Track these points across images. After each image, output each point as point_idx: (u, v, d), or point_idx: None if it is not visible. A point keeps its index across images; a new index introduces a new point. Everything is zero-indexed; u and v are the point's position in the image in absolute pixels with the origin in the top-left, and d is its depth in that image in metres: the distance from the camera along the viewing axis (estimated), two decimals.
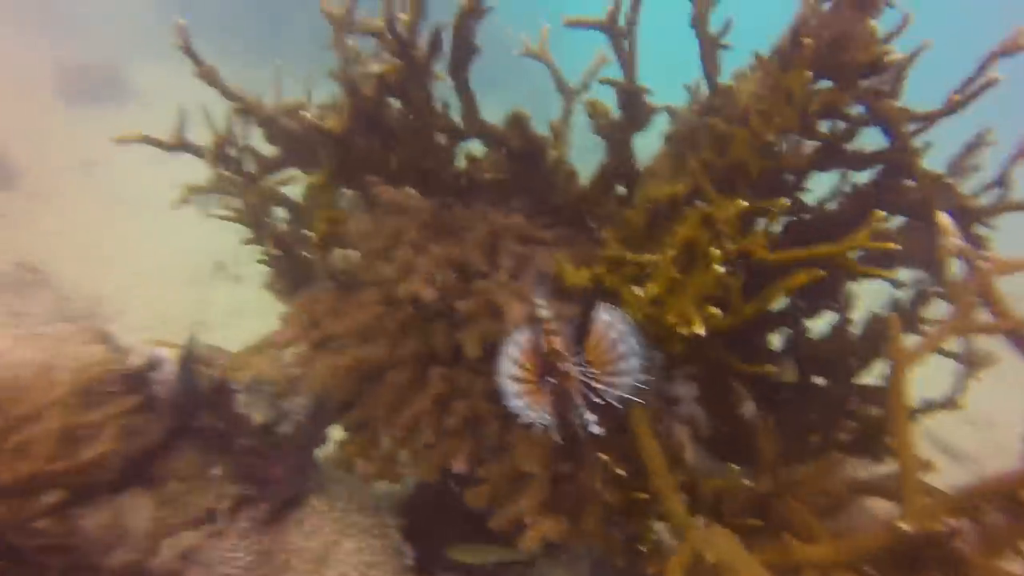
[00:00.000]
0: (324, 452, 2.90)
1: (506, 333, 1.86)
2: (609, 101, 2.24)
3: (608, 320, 1.77)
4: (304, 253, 2.83)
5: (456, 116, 2.10)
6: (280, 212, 2.85)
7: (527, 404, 1.73)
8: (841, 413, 2.75)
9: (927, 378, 2.56)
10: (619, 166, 2.17)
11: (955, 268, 2.39)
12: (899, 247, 1.56)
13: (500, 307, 1.93)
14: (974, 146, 2.46)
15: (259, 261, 2.74)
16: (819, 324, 2.77)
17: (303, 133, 2.33)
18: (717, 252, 1.52)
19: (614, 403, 1.73)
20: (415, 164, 2.16)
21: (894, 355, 1.63)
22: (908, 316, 2.62)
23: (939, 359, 2.61)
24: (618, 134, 2.13)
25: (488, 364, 2.10)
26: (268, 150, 2.53)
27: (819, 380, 2.77)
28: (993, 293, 1.74)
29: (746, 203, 1.55)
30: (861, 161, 1.95)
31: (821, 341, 2.70)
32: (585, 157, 2.45)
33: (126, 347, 2.60)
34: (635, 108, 2.07)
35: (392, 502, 3.07)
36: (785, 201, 1.61)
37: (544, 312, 1.81)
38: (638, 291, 1.93)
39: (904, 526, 1.47)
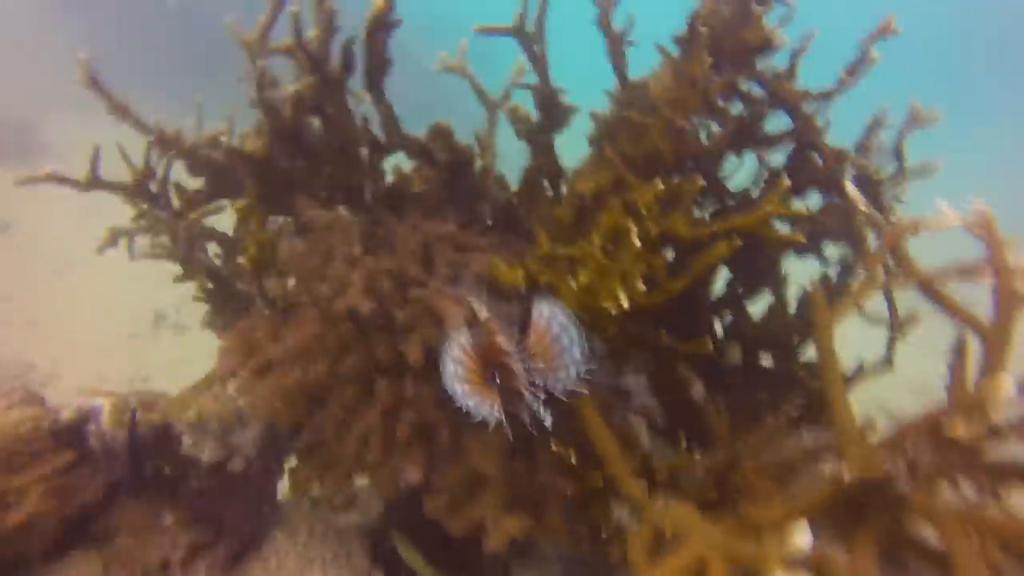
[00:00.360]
0: (283, 484, 2.81)
1: (447, 337, 1.87)
2: (530, 106, 2.30)
3: (548, 313, 1.80)
4: (240, 285, 2.78)
5: (378, 130, 2.12)
6: (212, 247, 2.80)
7: (477, 403, 1.73)
8: (788, 389, 2.86)
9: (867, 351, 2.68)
10: (543, 166, 2.22)
11: (870, 237, 2.53)
12: (806, 212, 1.64)
13: (439, 312, 1.93)
14: (873, 126, 2.64)
15: (195, 298, 2.67)
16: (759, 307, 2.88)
17: (226, 161, 2.31)
18: (633, 228, 1.57)
19: (560, 396, 1.75)
20: (342, 181, 2.16)
21: (817, 315, 1.71)
22: (834, 288, 2.75)
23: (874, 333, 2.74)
24: (539, 135, 2.19)
25: (434, 372, 2.10)
26: (193, 184, 2.48)
27: (765, 361, 2.87)
28: (900, 250, 1.85)
29: (662, 185, 1.61)
30: (769, 142, 2.05)
31: (762, 321, 2.80)
32: (518, 162, 2.51)
33: (57, 404, 2.49)
34: (553, 109, 2.14)
35: (359, 529, 2.99)
36: (700, 180, 1.68)
37: (483, 312, 1.83)
38: (573, 283, 1.97)
39: (846, 475, 1.53)
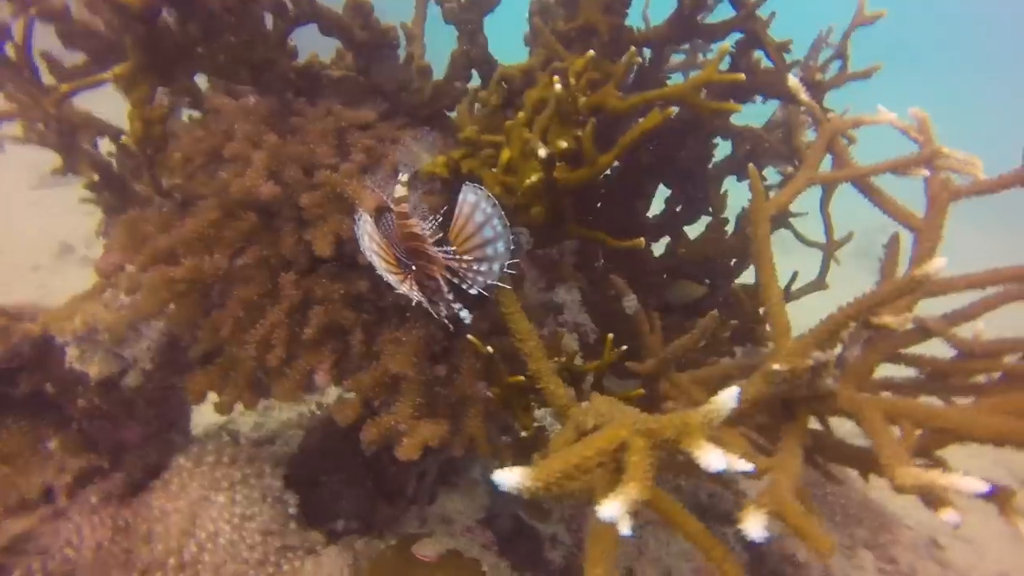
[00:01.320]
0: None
1: (360, 214, 1.67)
2: None
3: (473, 201, 1.63)
4: (138, 186, 2.48)
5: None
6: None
7: (396, 281, 1.55)
8: (723, 310, 2.82)
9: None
10: (470, 52, 2.03)
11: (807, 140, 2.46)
12: (744, 77, 1.53)
13: (350, 198, 1.74)
14: (818, 42, 2.56)
15: (83, 199, 2.37)
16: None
17: (111, 32, 2.00)
18: (556, 83, 1.41)
19: (481, 290, 1.60)
20: (244, 56, 1.90)
21: (754, 201, 1.62)
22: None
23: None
24: (466, 15, 1.98)
25: (345, 268, 1.92)
26: (69, 59, 2.16)
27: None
28: (837, 145, 1.77)
29: (592, 52, 1.45)
30: (711, 33, 1.92)
31: (699, 240, 2.73)
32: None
33: None
34: None
35: (273, 455, 2.82)
36: (635, 53, 1.53)
37: (398, 192, 1.65)
38: (495, 173, 1.81)
39: (776, 367, 1.46)
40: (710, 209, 2.75)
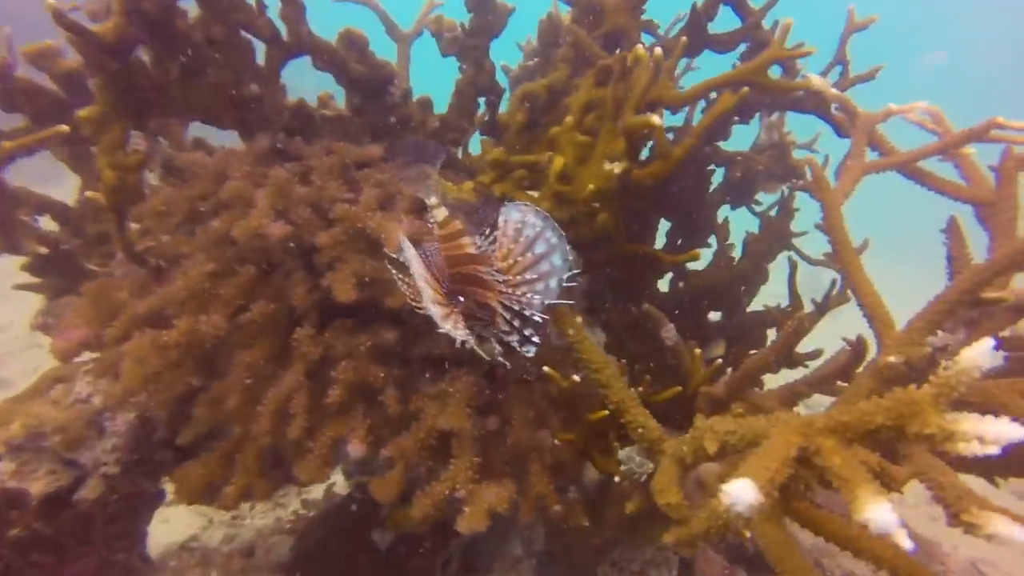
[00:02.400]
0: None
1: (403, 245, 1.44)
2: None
3: (519, 218, 1.45)
4: (90, 263, 2.15)
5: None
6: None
7: (452, 324, 1.31)
8: (738, 341, 2.69)
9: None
10: (477, 79, 1.90)
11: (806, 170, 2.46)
12: (815, 49, 1.46)
13: (374, 233, 1.51)
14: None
15: (23, 269, 2.01)
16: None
17: (60, 92, 1.75)
18: (634, 56, 1.28)
19: (539, 315, 1.38)
20: (231, 94, 1.69)
21: (823, 195, 1.52)
22: (776, 227, 2.66)
23: None
24: (472, 41, 1.87)
25: (371, 316, 1.65)
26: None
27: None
28: (876, 135, 1.73)
29: (642, 48, 1.35)
30: (723, 43, 1.89)
31: (709, 270, 2.63)
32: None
33: None
34: (488, 9, 1.84)
35: (255, 565, 2.36)
36: (685, 40, 1.44)
37: (441, 216, 1.44)
38: (533, 194, 1.64)
39: (892, 358, 1.31)
40: (711, 239, 2.68)
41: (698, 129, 1.26)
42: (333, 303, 1.60)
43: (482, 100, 1.96)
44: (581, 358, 1.42)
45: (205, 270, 1.51)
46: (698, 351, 1.43)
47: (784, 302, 2.58)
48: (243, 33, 1.65)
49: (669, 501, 1.26)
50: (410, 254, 1.29)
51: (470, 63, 1.89)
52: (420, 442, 1.51)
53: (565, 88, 1.68)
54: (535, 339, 1.30)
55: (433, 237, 1.46)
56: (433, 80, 2.47)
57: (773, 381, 2.23)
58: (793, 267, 2.34)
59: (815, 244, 2.73)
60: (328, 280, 1.53)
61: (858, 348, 1.65)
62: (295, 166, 1.77)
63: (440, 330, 1.24)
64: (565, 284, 1.41)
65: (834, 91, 1.70)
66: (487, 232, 1.48)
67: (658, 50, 1.23)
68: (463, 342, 1.28)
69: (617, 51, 1.55)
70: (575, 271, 1.43)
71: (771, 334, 2.61)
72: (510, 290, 1.36)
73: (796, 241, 2.72)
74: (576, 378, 1.35)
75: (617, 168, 1.27)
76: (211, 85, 1.67)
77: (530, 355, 1.32)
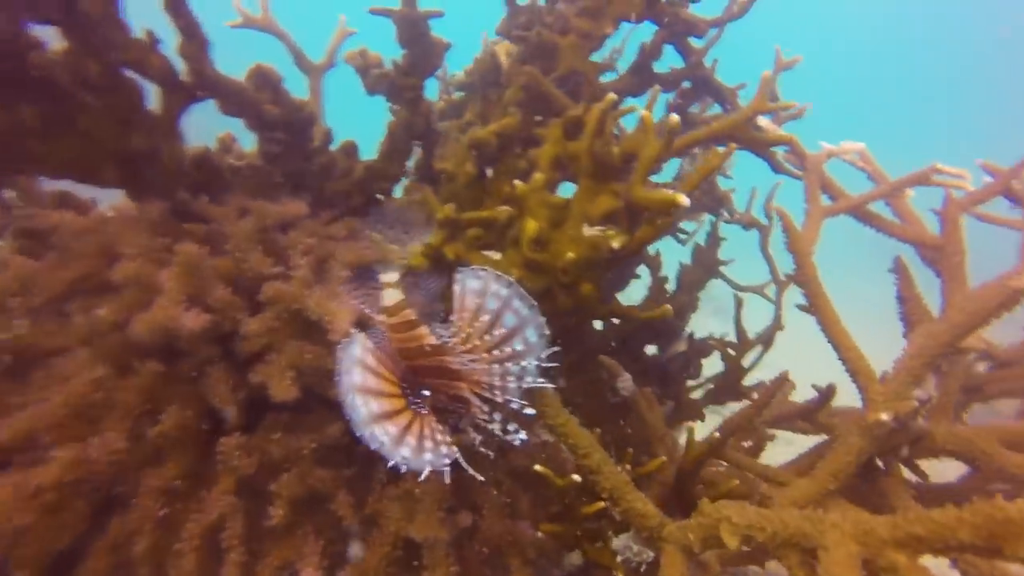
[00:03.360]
0: None
1: (344, 341, 1.22)
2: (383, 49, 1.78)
3: (479, 287, 1.27)
4: None
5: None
6: None
7: (411, 447, 1.11)
8: (677, 375, 2.67)
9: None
10: (411, 122, 1.71)
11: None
12: (797, 104, 1.42)
13: (314, 315, 1.27)
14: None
15: None
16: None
17: None
18: (615, 150, 1.17)
19: (523, 405, 1.21)
20: (113, 146, 1.38)
21: (793, 243, 1.48)
22: (707, 255, 2.67)
23: None
24: (403, 79, 1.67)
25: (311, 413, 1.40)
26: None
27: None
28: (825, 178, 1.75)
29: (613, 95, 1.23)
30: (665, 81, 1.84)
31: (645, 304, 2.58)
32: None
33: None
34: (423, 44, 1.65)
35: None
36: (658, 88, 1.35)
37: (393, 300, 1.23)
38: (492, 255, 1.48)
39: (884, 416, 1.27)
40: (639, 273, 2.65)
41: (689, 187, 1.17)
42: (260, 397, 1.34)
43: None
44: (567, 443, 1.27)
45: (93, 376, 1.19)
46: (691, 425, 1.34)
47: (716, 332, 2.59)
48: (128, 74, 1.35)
49: None
50: (351, 357, 1.09)
51: (403, 104, 1.69)
52: (385, 557, 1.28)
53: (514, 136, 1.53)
54: (522, 435, 1.14)
55: (382, 322, 1.25)
56: (345, 116, 2.23)
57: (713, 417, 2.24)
58: (738, 304, 2.34)
59: (740, 271, 2.79)
60: (259, 375, 1.27)
61: (827, 393, 1.64)
62: (202, 231, 1.48)
63: (393, 463, 1.05)
64: (544, 364, 1.25)
65: (782, 132, 1.69)
66: (441, 309, 1.29)
67: (674, 117, 1.11)
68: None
69: (581, 100, 1.42)
70: (553, 348, 1.28)
71: (706, 363, 2.62)
72: (488, 379, 1.19)
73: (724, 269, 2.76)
74: (576, 477, 1.20)
75: (616, 242, 1.14)
76: (83, 137, 1.35)
77: (518, 446, 1.15)
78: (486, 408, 1.18)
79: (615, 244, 1.13)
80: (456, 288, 1.28)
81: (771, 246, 2.49)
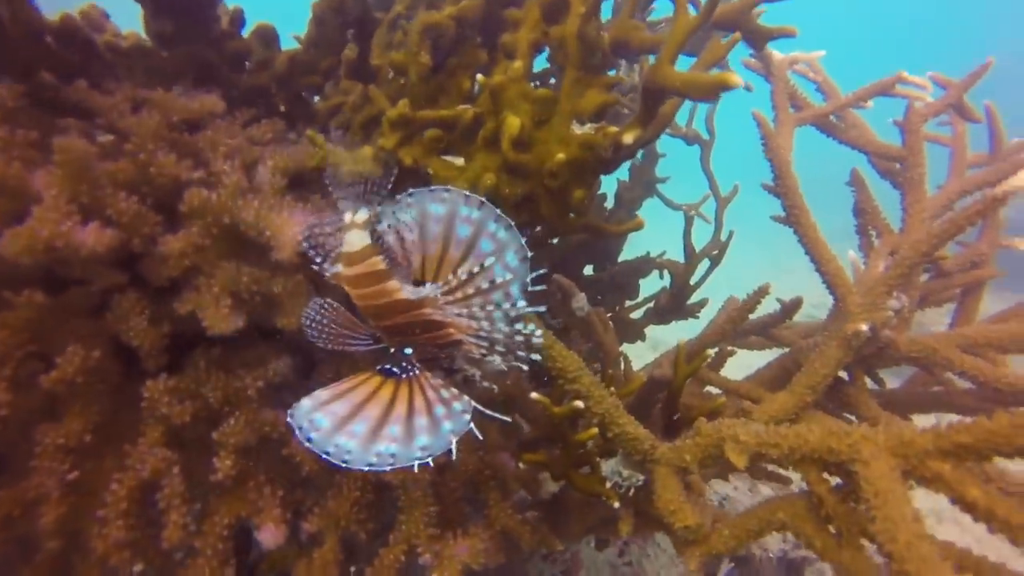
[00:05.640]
0: None
1: (278, 273, 1.01)
2: None
3: (445, 211, 1.08)
4: None
5: None
6: None
7: (426, 428, 0.95)
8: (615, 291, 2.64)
9: None
10: (343, 4, 1.43)
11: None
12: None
13: (253, 230, 1.04)
14: None
15: None
16: None
17: None
18: (603, 35, 1.00)
19: (505, 330, 1.06)
20: None
21: (772, 150, 1.41)
22: (644, 174, 2.60)
23: None
24: None
25: (246, 346, 1.19)
26: None
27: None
28: (790, 86, 1.68)
29: None
30: None
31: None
32: None
33: None
34: None
35: None
36: None
37: (355, 245, 1.02)
38: (454, 161, 1.29)
39: (863, 327, 1.27)
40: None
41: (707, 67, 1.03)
42: (187, 332, 1.10)
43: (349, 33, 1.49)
44: (553, 367, 1.16)
45: None
46: (682, 341, 1.27)
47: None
48: None
49: (687, 524, 1.10)
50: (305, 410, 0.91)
51: None
52: (355, 501, 1.14)
53: (475, 22, 1.31)
54: (535, 355, 1.01)
55: (337, 275, 1.03)
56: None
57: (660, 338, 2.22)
58: (688, 221, 2.30)
59: (676, 189, 2.75)
60: (188, 304, 1.03)
61: (791, 306, 1.64)
62: (82, 128, 1.16)
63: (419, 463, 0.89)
64: (530, 288, 1.11)
65: (785, 26, 1.58)
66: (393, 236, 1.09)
67: None
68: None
69: None
70: (538, 271, 1.13)
71: (644, 284, 2.60)
72: (474, 317, 1.02)
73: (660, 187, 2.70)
74: (579, 404, 1.09)
75: (629, 136, 0.98)
76: None
77: (523, 371, 1.03)
78: (484, 344, 1.03)
79: (627, 138, 0.98)
80: (411, 213, 1.08)
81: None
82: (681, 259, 2.42)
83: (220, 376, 1.10)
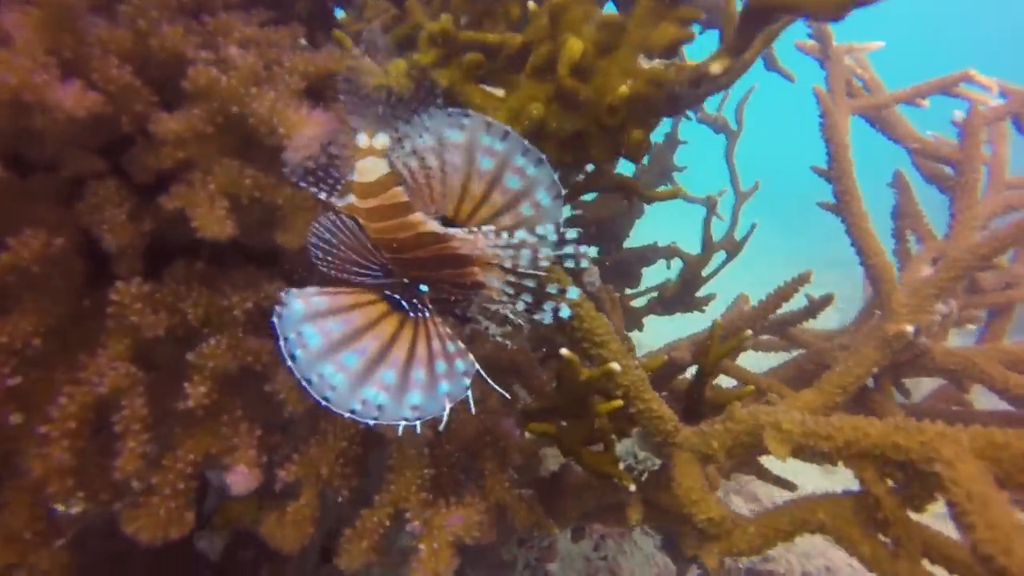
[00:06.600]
0: None
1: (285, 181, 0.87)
2: None
3: (463, 140, 0.95)
4: None
5: None
6: None
7: (422, 384, 0.83)
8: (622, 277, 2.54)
9: None
10: None
11: None
12: None
13: (264, 125, 0.89)
14: None
15: None
16: None
17: None
18: None
19: (525, 280, 0.94)
20: None
21: (831, 129, 1.31)
22: (662, 160, 2.50)
23: None
24: None
25: (237, 265, 1.04)
26: None
27: None
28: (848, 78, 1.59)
29: None
30: None
31: (593, 204, 2.37)
32: None
33: None
34: None
35: None
36: None
37: (371, 174, 0.89)
38: (494, 91, 1.15)
39: (907, 328, 1.18)
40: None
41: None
42: (173, 238, 0.95)
43: None
44: (580, 328, 1.04)
45: None
46: (719, 319, 1.16)
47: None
48: None
49: (710, 516, 1.00)
50: (295, 316, 0.80)
51: None
52: (339, 452, 1.00)
53: None
54: (564, 310, 0.89)
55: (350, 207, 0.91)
56: None
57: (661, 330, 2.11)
58: (710, 208, 2.19)
59: (692, 179, 2.65)
60: (177, 200, 0.88)
61: (820, 303, 1.55)
62: None
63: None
64: (563, 233, 0.98)
65: None
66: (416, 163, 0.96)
67: None
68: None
69: None
70: (574, 211, 1.02)
71: (647, 273, 2.51)
72: (514, 261, 0.90)
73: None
74: (615, 366, 0.97)
75: (716, 66, 0.86)
76: None
77: (547, 322, 0.91)
78: (509, 291, 0.90)
79: (715, 68, 0.86)
80: (426, 138, 0.95)
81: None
82: (689, 251, 2.33)
83: (203, 291, 0.95)
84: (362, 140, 0.91)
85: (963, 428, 0.76)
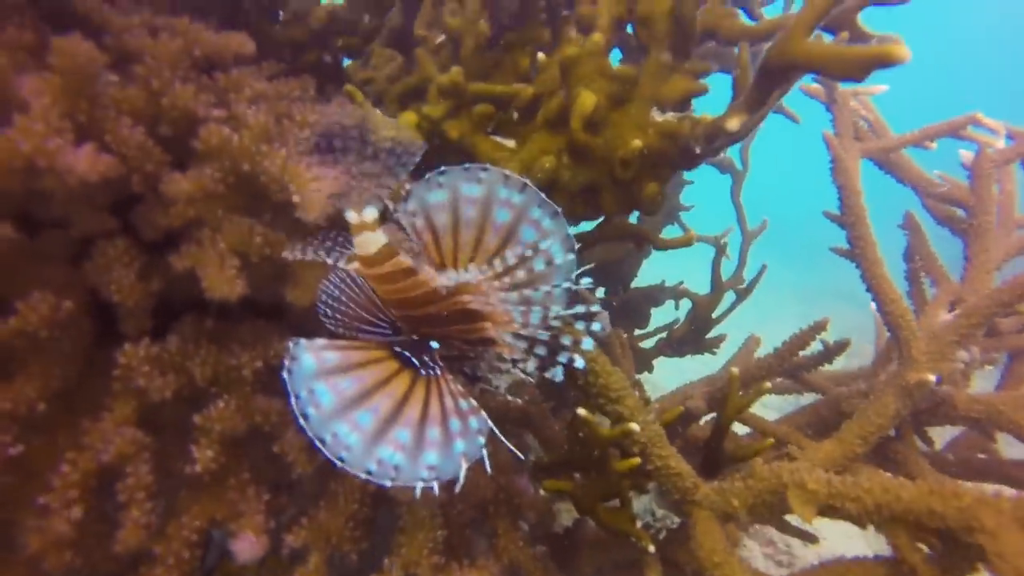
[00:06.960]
0: None
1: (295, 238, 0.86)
2: None
3: (480, 194, 0.94)
4: None
5: None
6: None
7: (437, 443, 0.81)
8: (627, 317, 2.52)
9: None
10: None
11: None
12: None
13: (274, 184, 0.89)
14: None
15: None
16: None
17: None
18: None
19: (538, 333, 0.92)
20: None
21: (842, 174, 1.30)
22: (667, 201, 2.49)
23: None
24: None
25: (243, 320, 1.02)
26: None
27: None
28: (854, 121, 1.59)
29: None
30: None
31: (602, 246, 2.35)
32: None
33: None
34: None
35: None
36: None
37: (367, 244, 0.88)
38: (504, 142, 1.15)
39: (928, 377, 1.15)
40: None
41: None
42: (177, 300, 0.94)
43: None
44: (595, 383, 1.02)
45: None
46: (735, 370, 1.13)
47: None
48: None
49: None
50: (307, 372, 0.79)
51: None
52: (351, 517, 0.97)
53: None
54: (578, 361, 0.87)
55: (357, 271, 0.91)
56: None
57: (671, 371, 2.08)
58: (719, 250, 2.18)
59: (697, 218, 2.65)
60: (187, 260, 0.87)
61: (836, 348, 1.52)
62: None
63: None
64: (574, 286, 0.97)
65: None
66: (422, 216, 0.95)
67: None
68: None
69: None
70: (585, 266, 1.01)
71: (656, 313, 2.48)
72: (525, 316, 0.88)
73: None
74: (635, 426, 0.94)
75: (734, 122, 0.85)
76: None
77: (558, 380, 0.88)
78: (521, 346, 0.88)
79: (732, 124, 0.85)
80: (440, 194, 0.95)
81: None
82: (696, 290, 2.32)
83: (212, 349, 0.93)
84: (352, 217, 0.89)
85: (1003, 494, 0.72)
